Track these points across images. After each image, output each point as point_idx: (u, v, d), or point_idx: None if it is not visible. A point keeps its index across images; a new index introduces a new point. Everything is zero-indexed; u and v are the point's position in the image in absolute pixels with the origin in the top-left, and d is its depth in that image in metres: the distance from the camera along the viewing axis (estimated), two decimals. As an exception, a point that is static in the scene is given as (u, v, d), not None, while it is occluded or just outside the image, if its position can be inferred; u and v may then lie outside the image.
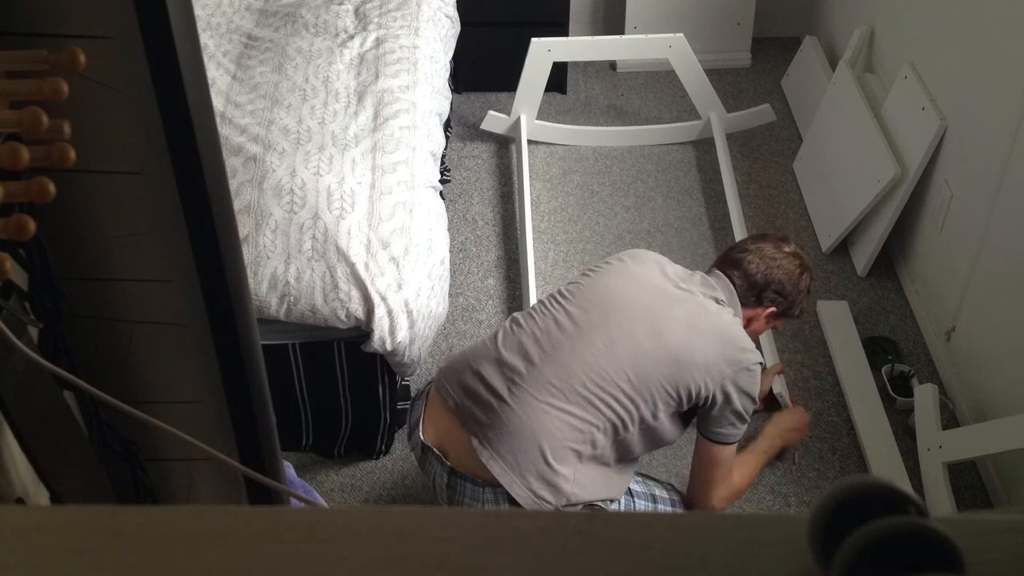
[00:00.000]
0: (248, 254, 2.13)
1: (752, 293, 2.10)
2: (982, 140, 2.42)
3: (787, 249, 2.14)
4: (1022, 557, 0.47)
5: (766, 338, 2.66)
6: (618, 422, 1.89)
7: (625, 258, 2.10)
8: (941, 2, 2.71)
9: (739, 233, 2.99)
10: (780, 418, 2.39)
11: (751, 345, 2.00)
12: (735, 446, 2.06)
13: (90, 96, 0.87)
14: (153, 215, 0.97)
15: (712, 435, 2.01)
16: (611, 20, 3.99)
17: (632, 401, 1.89)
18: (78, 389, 0.94)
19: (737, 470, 2.14)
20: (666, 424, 1.94)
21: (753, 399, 1.99)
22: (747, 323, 2.10)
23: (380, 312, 2.15)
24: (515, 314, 2.04)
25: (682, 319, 1.95)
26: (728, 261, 2.13)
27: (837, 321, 2.78)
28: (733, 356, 1.94)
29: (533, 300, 2.74)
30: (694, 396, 1.92)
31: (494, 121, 3.46)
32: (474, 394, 1.91)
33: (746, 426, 2.02)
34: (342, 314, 2.15)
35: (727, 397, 1.94)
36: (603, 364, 1.89)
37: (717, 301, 2.03)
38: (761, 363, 2.01)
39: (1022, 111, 2.22)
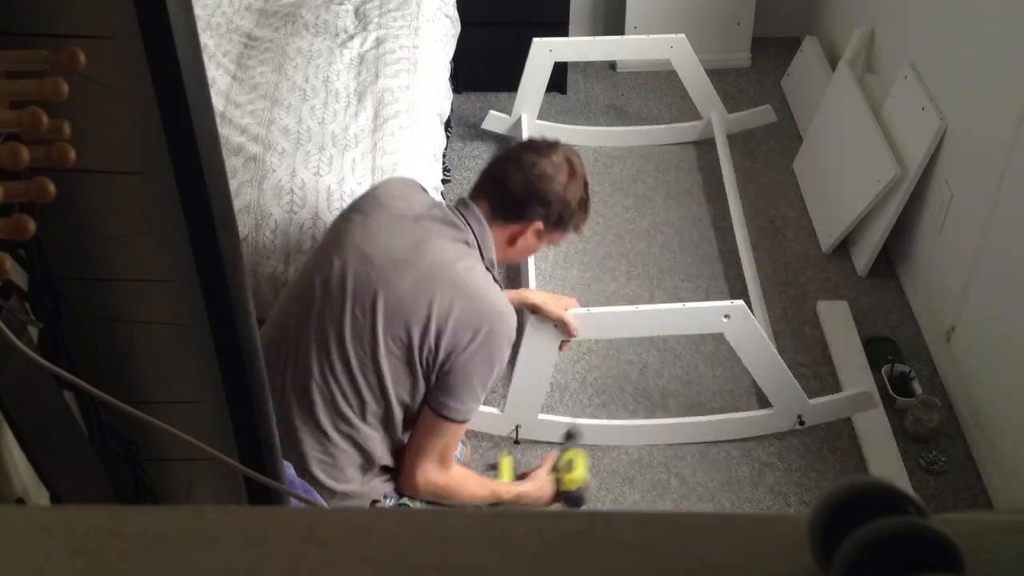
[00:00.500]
0: (248, 254, 2.14)
1: (513, 208, 1.89)
2: (982, 140, 2.42)
3: (554, 157, 1.92)
4: (1022, 557, 0.47)
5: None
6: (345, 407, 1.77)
7: (366, 212, 1.88)
8: (941, 2, 2.71)
9: (739, 233, 2.99)
10: (539, 484, 2.07)
11: (503, 306, 1.80)
12: (462, 426, 1.86)
13: (90, 96, 0.87)
14: (153, 215, 0.97)
15: (437, 405, 1.81)
16: (611, 20, 3.98)
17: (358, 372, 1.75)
18: (78, 389, 0.94)
19: (466, 480, 1.96)
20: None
21: (491, 369, 1.81)
22: (512, 240, 1.91)
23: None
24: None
25: (414, 284, 1.76)
26: (486, 178, 1.93)
27: (837, 321, 2.78)
28: (479, 314, 1.77)
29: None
30: (425, 347, 1.75)
31: (495, 121, 3.46)
32: None
33: (477, 404, 1.86)
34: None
35: (465, 360, 1.77)
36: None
37: (466, 243, 1.84)
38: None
39: (1022, 111, 2.22)
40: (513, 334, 1.84)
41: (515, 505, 2.04)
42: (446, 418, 1.82)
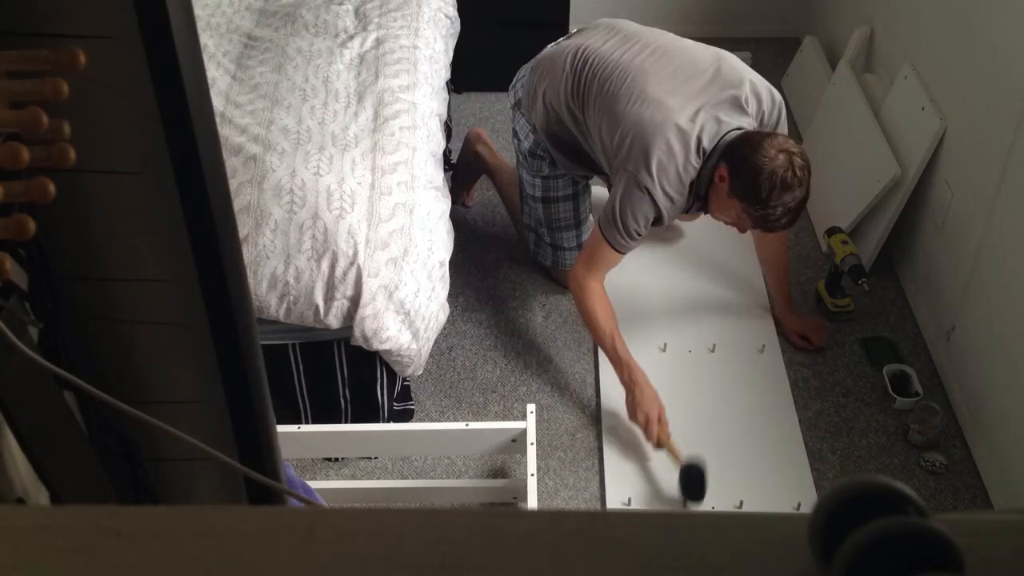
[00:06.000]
0: (248, 254, 2.13)
1: (718, 143, 2.25)
2: (982, 140, 2.42)
3: (788, 145, 2.20)
4: (1022, 557, 0.47)
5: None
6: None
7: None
8: (941, 2, 2.71)
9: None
10: (645, 397, 2.39)
11: (661, 171, 2.25)
12: (611, 251, 2.37)
13: (90, 96, 0.87)
14: (153, 215, 0.97)
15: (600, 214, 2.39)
16: (611, 20, 3.98)
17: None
18: (78, 389, 0.94)
19: (596, 298, 2.44)
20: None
21: (630, 220, 2.29)
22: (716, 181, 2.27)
23: (379, 311, 2.15)
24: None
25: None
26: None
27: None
28: (638, 152, 2.26)
29: (535, 300, 2.74)
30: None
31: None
32: None
33: (621, 238, 2.33)
34: (341, 314, 2.15)
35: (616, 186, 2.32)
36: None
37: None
38: (656, 205, 2.28)
39: (1022, 111, 2.22)
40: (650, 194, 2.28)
41: (621, 371, 2.44)
42: (600, 229, 2.39)
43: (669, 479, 2.34)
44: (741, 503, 2.29)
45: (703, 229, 3.13)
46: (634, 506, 2.31)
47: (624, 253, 2.40)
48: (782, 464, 2.39)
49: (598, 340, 2.48)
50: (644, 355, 2.67)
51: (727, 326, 2.76)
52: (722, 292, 2.88)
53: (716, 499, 2.29)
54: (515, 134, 2.73)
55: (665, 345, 2.70)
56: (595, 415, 2.55)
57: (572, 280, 2.50)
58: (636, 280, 2.92)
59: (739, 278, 2.92)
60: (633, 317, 2.78)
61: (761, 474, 2.36)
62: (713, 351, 2.69)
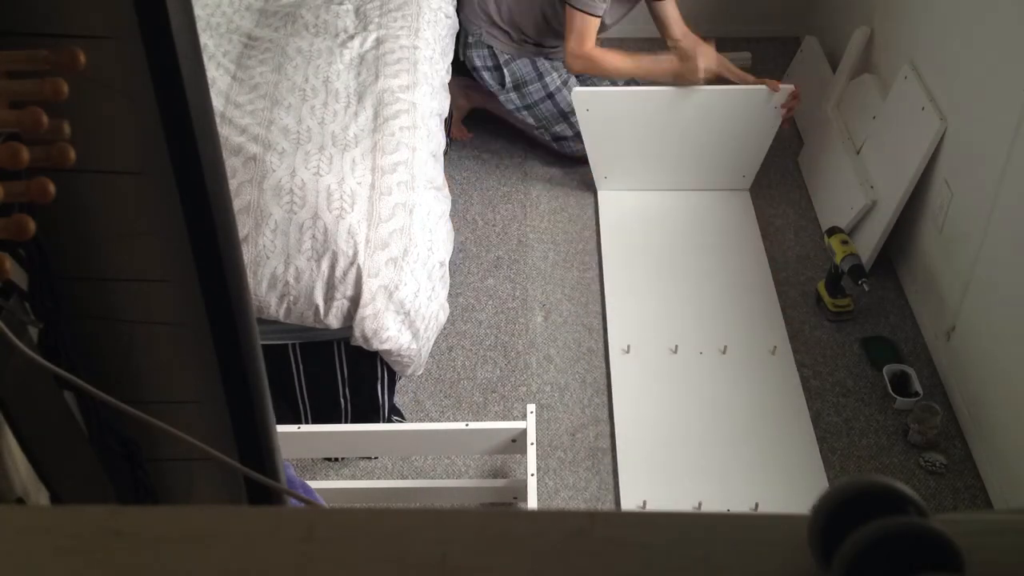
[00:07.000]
0: (248, 254, 2.14)
1: None
2: (982, 140, 2.42)
3: None
4: (1022, 557, 0.47)
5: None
6: None
7: None
8: (941, 2, 2.71)
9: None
10: (701, 51, 2.94)
11: None
12: (587, 17, 2.83)
13: (90, 96, 0.87)
14: (153, 215, 0.97)
15: None
16: (611, 20, 3.98)
17: None
18: (78, 389, 0.94)
19: (605, 54, 2.91)
20: None
21: None
22: None
23: (379, 311, 2.15)
24: None
25: None
26: None
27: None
28: None
29: (535, 300, 2.74)
30: None
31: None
32: None
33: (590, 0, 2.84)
34: (341, 314, 2.15)
35: None
36: None
37: None
38: None
39: (1022, 111, 2.21)
40: None
41: (662, 66, 2.96)
42: (571, 6, 2.87)
43: (686, 481, 2.34)
44: (757, 505, 2.29)
45: (711, 230, 3.13)
46: (649, 508, 2.31)
47: (599, 14, 2.88)
48: (798, 466, 2.39)
49: (629, 73, 2.97)
50: (655, 357, 2.68)
51: (738, 327, 2.76)
52: (732, 294, 2.88)
53: (732, 501, 2.29)
54: (490, 72, 3.15)
55: (676, 347, 2.70)
56: (595, 415, 2.55)
57: (573, 59, 2.93)
58: (647, 282, 2.92)
59: (749, 279, 2.92)
60: (644, 319, 2.78)
61: (777, 476, 2.36)
62: (724, 352, 2.69)
